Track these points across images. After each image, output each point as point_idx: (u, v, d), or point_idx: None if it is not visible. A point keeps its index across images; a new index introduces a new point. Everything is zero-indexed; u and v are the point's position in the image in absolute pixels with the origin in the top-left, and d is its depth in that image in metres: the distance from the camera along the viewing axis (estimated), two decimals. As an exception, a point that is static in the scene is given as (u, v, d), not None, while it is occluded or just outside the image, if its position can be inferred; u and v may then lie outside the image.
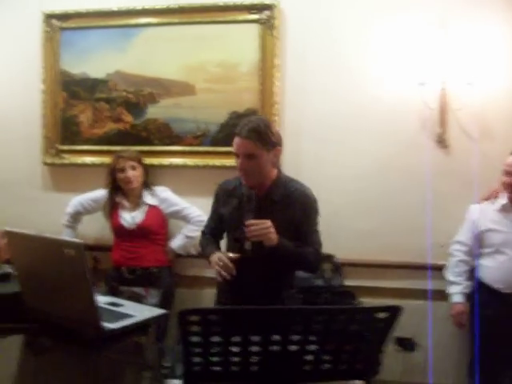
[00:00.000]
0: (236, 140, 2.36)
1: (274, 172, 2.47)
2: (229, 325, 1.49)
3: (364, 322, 1.53)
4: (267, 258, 2.32)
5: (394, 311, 1.47)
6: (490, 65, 3.36)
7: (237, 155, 2.37)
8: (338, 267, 3.46)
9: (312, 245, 2.42)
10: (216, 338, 1.51)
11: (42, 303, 2.06)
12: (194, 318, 1.47)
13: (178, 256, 3.62)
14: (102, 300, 2.20)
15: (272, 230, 2.25)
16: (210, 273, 3.45)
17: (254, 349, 1.53)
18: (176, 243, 3.55)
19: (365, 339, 1.56)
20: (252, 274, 2.39)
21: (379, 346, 1.58)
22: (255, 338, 1.50)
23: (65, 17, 3.86)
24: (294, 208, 2.42)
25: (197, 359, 1.55)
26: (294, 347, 1.53)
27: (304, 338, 1.52)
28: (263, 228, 2.24)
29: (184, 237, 3.55)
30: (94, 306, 1.88)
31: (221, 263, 2.32)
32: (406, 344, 3.33)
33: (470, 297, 3.20)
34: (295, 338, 1.52)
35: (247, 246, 2.28)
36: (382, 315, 1.49)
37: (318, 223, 2.50)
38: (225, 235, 2.65)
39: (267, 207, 2.38)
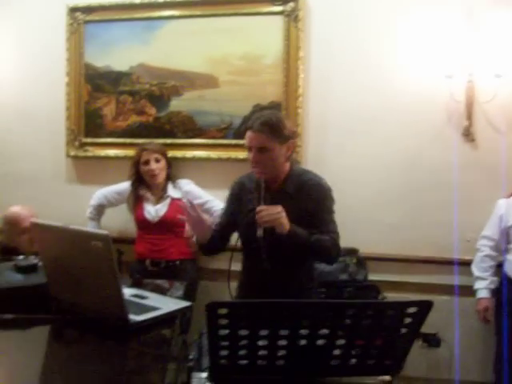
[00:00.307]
0: (248, 134, 2.34)
1: (287, 166, 2.44)
2: (257, 318, 1.47)
3: (394, 317, 1.50)
4: (281, 247, 2.29)
5: (425, 306, 1.44)
6: (518, 57, 3.31)
7: (249, 149, 2.35)
8: (363, 261, 3.43)
9: (328, 233, 2.35)
10: (243, 332, 1.50)
11: (68, 295, 2.07)
12: (222, 310, 1.46)
13: (202, 249, 3.62)
14: (127, 292, 2.19)
15: (283, 214, 2.22)
16: (234, 266, 3.47)
17: (282, 342, 1.51)
18: (199, 236, 3.54)
19: (394, 334, 1.54)
20: (269, 271, 2.37)
21: (409, 341, 1.55)
22: (283, 332, 1.49)
23: (88, 10, 3.87)
24: (308, 198, 2.38)
25: (224, 352, 1.54)
26: (321, 341, 1.52)
27: (332, 333, 1.50)
28: (274, 213, 2.21)
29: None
30: (120, 298, 1.88)
31: None
32: (431, 340, 3.30)
33: (496, 292, 3.17)
34: (323, 332, 1.50)
35: (259, 232, 2.23)
36: (412, 310, 1.47)
37: (333, 212, 2.43)
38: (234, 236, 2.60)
39: (281, 201, 2.32)
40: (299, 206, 2.36)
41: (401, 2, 3.44)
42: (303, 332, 1.48)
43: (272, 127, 2.30)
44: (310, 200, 2.38)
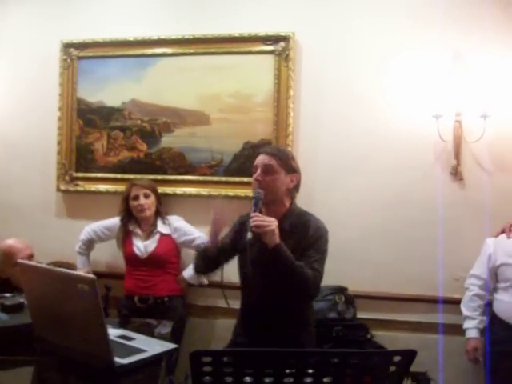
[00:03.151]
0: (258, 156, 2.49)
1: (288, 202, 2.51)
2: (241, 366, 1.47)
3: (379, 365, 1.50)
4: (269, 267, 2.32)
5: (409, 355, 1.45)
6: (504, 98, 3.36)
7: (255, 168, 2.46)
8: (351, 300, 3.42)
9: (312, 269, 2.36)
10: (228, 379, 1.49)
11: (53, 336, 2.06)
12: (206, 358, 1.45)
13: (191, 285, 3.61)
14: (113, 333, 2.19)
15: (275, 225, 2.27)
16: (223, 303, 3.45)
17: (267, 389, 1.51)
18: (188, 273, 3.52)
19: (379, 382, 1.54)
20: (263, 308, 2.44)
21: (394, 388, 1.55)
22: (268, 380, 1.49)
23: (82, 46, 3.91)
24: (303, 235, 2.43)
25: (208, 398, 1.54)
26: (306, 388, 1.51)
27: (317, 380, 1.50)
28: (266, 220, 2.27)
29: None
30: (106, 342, 1.88)
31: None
32: (421, 379, 3.27)
33: (484, 332, 3.16)
34: (308, 379, 1.50)
35: (249, 235, 2.26)
36: (396, 359, 1.47)
37: (324, 254, 2.46)
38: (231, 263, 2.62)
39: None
40: (293, 242, 2.39)
41: (390, 43, 3.50)
42: (288, 380, 1.48)
43: (281, 154, 2.49)
44: (304, 237, 2.42)
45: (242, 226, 2.53)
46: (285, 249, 2.30)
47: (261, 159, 2.47)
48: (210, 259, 2.54)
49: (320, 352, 1.60)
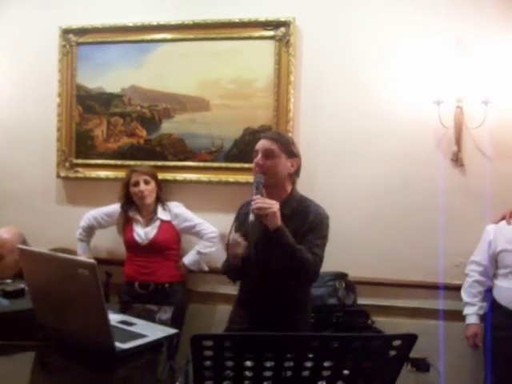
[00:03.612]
0: (259, 141, 2.52)
1: (289, 187, 2.53)
2: (242, 350, 1.47)
3: (379, 349, 1.50)
4: (270, 250, 2.35)
5: (410, 339, 1.45)
6: (506, 84, 3.34)
7: (256, 153, 2.48)
8: (352, 286, 3.43)
9: (312, 254, 2.39)
10: (229, 363, 1.49)
11: (54, 321, 2.06)
12: (207, 342, 1.45)
13: (191, 272, 3.61)
14: (114, 318, 2.19)
15: (277, 208, 2.30)
16: (223, 289, 3.47)
17: (267, 373, 1.51)
18: (189, 259, 3.53)
19: (380, 366, 1.54)
20: (262, 294, 2.46)
21: (394, 373, 1.55)
22: (268, 364, 1.49)
23: (81, 31, 3.88)
24: (304, 220, 2.46)
25: (209, 383, 1.54)
26: (307, 373, 1.52)
27: (317, 364, 1.50)
28: (268, 203, 2.30)
29: (197, 253, 3.54)
30: (107, 326, 1.88)
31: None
32: (420, 365, 3.28)
33: (484, 318, 3.17)
34: (308, 364, 1.50)
35: (251, 217, 2.29)
36: (397, 343, 1.47)
37: (325, 240, 2.49)
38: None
39: None
40: (294, 227, 2.41)
41: (392, 29, 3.47)
42: (288, 364, 1.48)
43: (282, 138, 2.53)
44: (305, 222, 2.45)
45: (246, 215, 2.51)
46: (286, 232, 2.32)
47: (262, 144, 2.48)
48: (239, 269, 2.51)
49: (321, 336, 1.60)
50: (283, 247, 2.33)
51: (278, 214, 2.30)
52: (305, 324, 2.56)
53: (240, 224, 2.54)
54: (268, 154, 2.44)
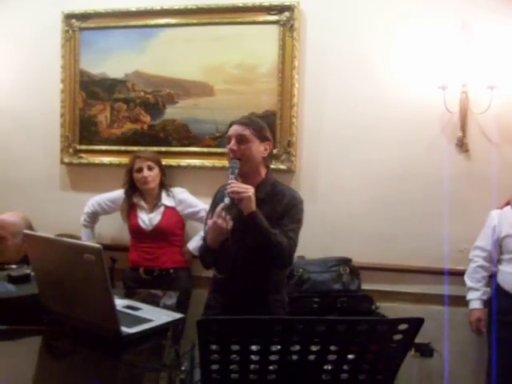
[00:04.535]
0: (231, 127, 2.52)
1: (263, 172, 2.55)
2: (248, 334, 1.47)
3: (385, 333, 1.51)
4: (245, 234, 2.36)
5: (416, 323, 1.45)
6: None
7: (229, 139, 2.49)
8: (356, 271, 3.42)
9: (287, 238, 2.41)
10: (235, 347, 1.50)
11: (60, 306, 2.07)
12: (213, 326, 1.46)
13: (195, 257, 3.61)
14: (119, 303, 2.19)
15: (252, 192, 2.33)
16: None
17: (273, 357, 1.52)
18: (193, 244, 3.53)
19: (385, 350, 1.54)
20: (237, 276, 2.48)
21: (400, 357, 1.56)
22: (274, 348, 1.49)
23: (84, 17, 3.87)
24: (278, 203, 2.48)
25: (215, 366, 1.54)
26: (313, 356, 1.52)
27: (323, 348, 1.50)
28: (243, 187, 2.33)
29: (201, 238, 3.51)
30: (113, 311, 1.88)
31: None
32: (424, 350, 3.30)
33: (488, 303, 3.17)
34: (314, 347, 1.50)
35: (226, 200, 2.33)
36: (402, 327, 1.47)
37: (299, 224, 2.51)
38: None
39: None
40: (268, 211, 2.43)
41: (396, 12, 3.45)
42: (294, 348, 1.48)
43: (253, 123, 2.51)
44: (279, 205, 2.48)
45: (222, 198, 2.51)
46: (260, 216, 2.35)
47: (234, 129, 2.49)
48: (214, 252, 2.52)
49: (326, 320, 1.60)
50: (258, 231, 2.35)
51: (253, 198, 2.34)
52: (281, 305, 2.58)
53: (215, 207, 2.52)
54: (241, 139, 2.45)
